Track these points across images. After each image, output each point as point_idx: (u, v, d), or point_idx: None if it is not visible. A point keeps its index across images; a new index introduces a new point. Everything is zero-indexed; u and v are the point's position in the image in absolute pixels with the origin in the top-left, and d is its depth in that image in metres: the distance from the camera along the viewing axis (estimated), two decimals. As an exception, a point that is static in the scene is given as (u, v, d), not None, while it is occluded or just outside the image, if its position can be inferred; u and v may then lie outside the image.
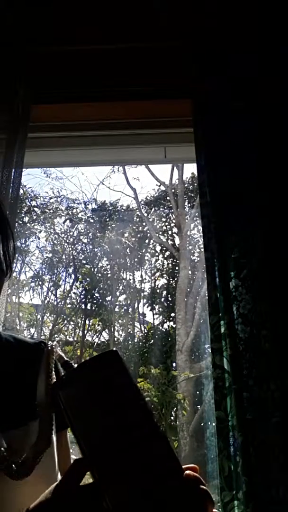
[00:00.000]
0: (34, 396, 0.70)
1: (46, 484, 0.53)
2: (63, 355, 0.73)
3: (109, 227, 6.89)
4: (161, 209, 7.08)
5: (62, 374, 0.72)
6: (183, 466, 0.53)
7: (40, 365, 0.73)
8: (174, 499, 0.50)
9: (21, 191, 6.36)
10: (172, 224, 6.96)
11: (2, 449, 0.61)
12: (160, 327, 6.53)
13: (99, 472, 0.51)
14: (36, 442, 0.65)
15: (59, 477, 0.67)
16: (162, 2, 1.52)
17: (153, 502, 0.49)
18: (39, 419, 0.67)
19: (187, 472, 0.52)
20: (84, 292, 6.74)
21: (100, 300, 6.79)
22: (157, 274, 6.89)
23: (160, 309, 6.66)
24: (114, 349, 0.58)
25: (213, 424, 1.18)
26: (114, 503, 0.49)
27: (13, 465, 0.60)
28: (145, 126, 1.56)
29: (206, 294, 1.29)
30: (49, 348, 0.74)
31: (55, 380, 0.71)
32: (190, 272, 6.36)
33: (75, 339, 6.57)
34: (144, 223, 7.05)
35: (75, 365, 0.59)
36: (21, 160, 1.38)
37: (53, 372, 0.71)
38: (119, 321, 6.88)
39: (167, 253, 6.92)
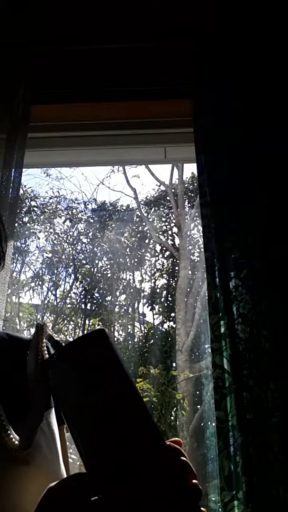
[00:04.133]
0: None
1: (50, 469, 0.55)
2: (53, 334, 0.73)
3: (109, 227, 6.89)
4: (161, 209, 7.08)
5: (51, 354, 0.73)
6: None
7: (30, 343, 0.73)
8: (154, 469, 0.51)
9: (21, 191, 6.37)
10: (172, 224, 6.96)
11: (9, 432, 0.62)
12: (160, 327, 6.53)
13: (85, 451, 0.52)
14: (30, 416, 0.66)
15: (63, 467, 0.68)
16: (162, 2, 1.52)
17: (133, 472, 0.50)
18: (30, 395, 0.68)
19: (168, 443, 0.53)
20: (84, 292, 6.74)
21: (100, 300, 6.79)
22: (157, 274, 6.89)
23: (160, 309, 6.66)
24: (101, 327, 0.59)
25: (213, 424, 1.18)
26: (97, 475, 0.50)
27: (14, 440, 0.61)
28: (145, 126, 1.56)
29: (206, 294, 1.29)
30: (39, 327, 0.74)
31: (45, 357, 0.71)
32: (190, 272, 6.36)
33: (75, 339, 6.56)
34: (144, 223, 7.05)
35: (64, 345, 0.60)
36: (21, 160, 1.38)
37: (45, 350, 0.72)
38: (119, 321, 6.88)
39: (167, 253, 6.92)
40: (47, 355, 0.71)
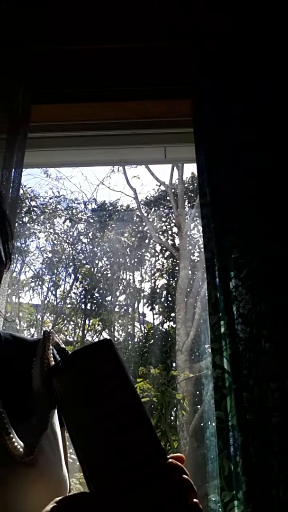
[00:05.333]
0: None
1: (53, 471, 0.56)
2: (59, 342, 0.74)
3: (109, 227, 6.89)
4: (161, 209, 7.07)
5: (57, 360, 0.73)
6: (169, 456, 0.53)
7: (36, 350, 0.74)
8: (154, 486, 0.51)
9: (21, 191, 6.37)
10: (172, 224, 6.95)
11: (11, 435, 0.62)
12: (160, 327, 6.53)
13: (85, 459, 0.52)
14: (35, 423, 0.66)
15: (64, 469, 0.68)
16: (162, 2, 1.52)
17: (134, 488, 0.50)
18: (36, 401, 0.68)
19: (170, 460, 0.53)
20: (84, 292, 6.74)
21: (100, 300, 6.79)
22: (157, 274, 6.89)
23: (160, 309, 6.66)
24: (108, 337, 0.59)
25: (213, 424, 1.18)
26: (98, 489, 0.50)
27: (19, 447, 0.61)
28: (145, 126, 1.56)
29: (206, 294, 1.29)
30: (46, 334, 0.75)
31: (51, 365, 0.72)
32: (190, 272, 6.35)
33: (75, 339, 6.57)
34: (144, 223, 7.05)
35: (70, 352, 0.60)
36: (21, 160, 1.38)
37: (51, 357, 0.72)
38: (119, 321, 6.88)
39: (167, 253, 6.91)
40: (53, 363, 0.72)
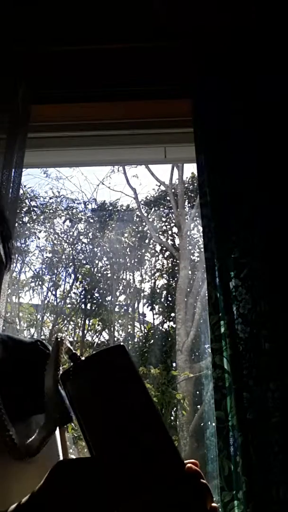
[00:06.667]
0: (34, 392, 0.72)
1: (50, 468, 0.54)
2: (71, 347, 0.74)
3: (109, 227, 6.89)
4: (161, 209, 7.07)
5: (70, 366, 0.74)
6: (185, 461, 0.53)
7: (47, 357, 0.74)
8: (174, 493, 0.50)
9: (21, 191, 6.36)
10: (172, 224, 6.95)
11: (11, 432, 0.62)
12: (160, 327, 6.53)
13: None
14: (43, 426, 0.66)
15: None
16: (161, 2, 1.52)
17: (154, 496, 0.50)
18: (46, 406, 0.68)
19: (188, 465, 0.53)
20: (84, 292, 6.74)
21: (100, 300, 6.78)
22: (157, 274, 6.88)
23: (160, 309, 6.65)
24: (122, 343, 0.59)
25: (213, 424, 1.18)
26: (114, 500, 0.50)
27: (20, 447, 0.62)
28: (145, 126, 1.56)
29: (206, 294, 1.29)
30: (59, 340, 0.75)
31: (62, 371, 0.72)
32: (190, 272, 6.35)
33: (75, 339, 6.56)
34: (144, 223, 7.04)
35: (83, 358, 0.61)
36: (21, 160, 1.38)
37: (61, 363, 0.72)
38: (119, 321, 6.87)
39: (167, 253, 6.91)
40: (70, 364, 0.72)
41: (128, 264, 7.02)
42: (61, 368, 0.72)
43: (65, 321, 6.75)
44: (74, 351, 0.71)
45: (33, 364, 0.75)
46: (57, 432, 0.71)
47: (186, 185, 6.83)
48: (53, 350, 0.74)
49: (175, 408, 5.35)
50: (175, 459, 0.52)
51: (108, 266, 7.01)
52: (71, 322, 6.83)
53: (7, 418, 0.63)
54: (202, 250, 1.35)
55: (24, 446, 0.62)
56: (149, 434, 0.52)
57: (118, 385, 0.54)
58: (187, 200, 6.82)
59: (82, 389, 0.55)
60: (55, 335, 0.78)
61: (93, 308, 6.72)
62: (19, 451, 0.61)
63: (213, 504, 0.52)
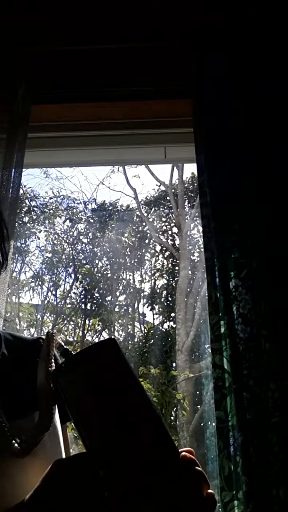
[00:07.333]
0: (36, 388, 0.71)
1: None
2: (62, 343, 0.74)
3: (109, 227, 6.89)
4: (161, 209, 7.07)
5: (61, 361, 0.73)
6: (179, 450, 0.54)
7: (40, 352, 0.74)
8: (170, 481, 0.51)
9: (21, 191, 6.36)
10: (172, 224, 6.95)
11: (6, 429, 0.62)
12: (160, 327, 6.52)
13: (99, 460, 0.52)
14: (36, 423, 0.66)
15: None
16: (161, 2, 1.52)
17: (150, 485, 0.50)
18: (39, 402, 0.68)
19: (183, 454, 0.53)
20: (84, 292, 6.74)
21: (100, 300, 6.78)
22: (157, 274, 6.88)
23: (160, 309, 6.65)
24: (112, 337, 0.59)
25: (213, 424, 1.18)
26: (113, 495, 0.50)
27: (16, 444, 0.62)
28: (145, 126, 1.56)
29: (206, 294, 1.29)
30: (49, 336, 0.75)
31: (54, 367, 0.72)
32: (190, 272, 6.35)
33: (75, 339, 6.56)
34: (144, 223, 7.04)
35: (74, 353, 0.61)
36: (21, 160, 1.38)
37: (53, 359, 0.72)
38: (119, 321, 6.87)
39: (167, 253, 6.91)
40: (60, 361, 0.72)
41: (128, 264, 7.02)
42: (53, 363, 0.72)
43: (65, 321, 6.75)
44: (65, 347, 0.72)
45: (35, 361, 0.75)
46: (59, 429, 0.71)
47: (186, 185, 6.83)
48: (44, 346, 0.74)
49: (175, 408, 5.35)
50: (170, 447, 0.52)
51: (108, 266, 7.01)
52: (71, 322, 6.83)
53: (2, 415, 0.63)
54: (202, 250, 1.35)
55: (20, 443, 0.62)
56: (146, 426, 0.52)
57: (111, 379, 0.54)
58: (187, 200, 6.82)
59: (75, 383, 0.55)
60: (47, 331, 0.78)
61: (93, 308, 6.72)
62: (14, 448, 0.61)
63: (209, 491, 0.52)
